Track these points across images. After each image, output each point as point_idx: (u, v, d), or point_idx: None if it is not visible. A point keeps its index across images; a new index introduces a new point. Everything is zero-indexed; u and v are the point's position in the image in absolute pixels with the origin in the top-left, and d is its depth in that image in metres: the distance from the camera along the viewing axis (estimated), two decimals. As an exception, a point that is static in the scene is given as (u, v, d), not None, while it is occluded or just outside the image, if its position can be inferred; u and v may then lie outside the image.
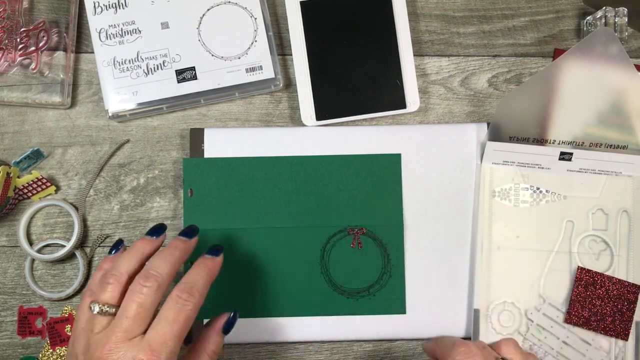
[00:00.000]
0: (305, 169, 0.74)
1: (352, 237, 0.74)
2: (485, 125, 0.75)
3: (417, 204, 0.74)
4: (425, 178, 0.75)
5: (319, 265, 0.73)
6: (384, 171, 0.74)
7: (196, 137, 0.74)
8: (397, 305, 0.73)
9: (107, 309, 0.56)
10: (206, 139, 0.74)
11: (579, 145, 0.73)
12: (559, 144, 0.73)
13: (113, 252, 0.63)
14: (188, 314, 0.56)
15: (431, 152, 0.75)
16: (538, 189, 0.74)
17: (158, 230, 0.62)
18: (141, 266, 0.59)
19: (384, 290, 0.73)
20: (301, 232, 0.73)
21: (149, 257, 0.60)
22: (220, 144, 0.74)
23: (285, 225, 0.74)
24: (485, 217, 0.74)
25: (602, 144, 0.73)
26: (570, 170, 0.74)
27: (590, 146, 0.73)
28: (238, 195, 0.74)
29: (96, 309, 0.56)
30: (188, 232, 0.62)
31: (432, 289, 0.74)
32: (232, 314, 0.64)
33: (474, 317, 0.73)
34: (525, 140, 0.74)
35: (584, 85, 0.71)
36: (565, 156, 0.73)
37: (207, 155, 0.74)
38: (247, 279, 0.73)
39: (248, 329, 0.73)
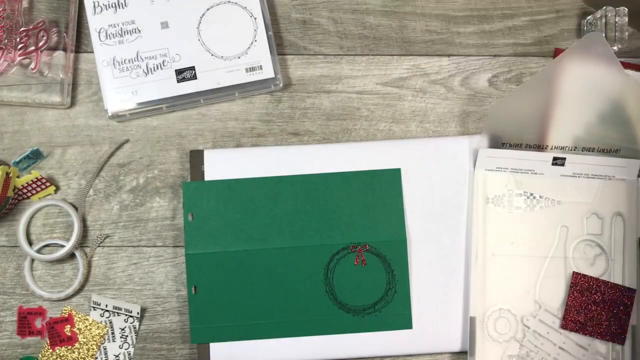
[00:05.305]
0: (306, 187, 0.73)
1: (355, 254, 0.73)
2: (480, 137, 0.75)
3: (419, 217, 0.74)
4: (425, 191, 0.74)
5: (324, 284, 0.73)
6: (385, 186, 0.74)
7: (196, 159, 0.74)
8: (403, 321, 0.73)
9: None
10: (206, 160, 0.74)
11: (572, 150, 0.73)
12: (555, 148, 0.73)
13: None
14: None
15: (431, 165, 0.74)
16: (532, 194, 0.74)
17: None
18: None
19: (389, 306, 0.73)
20: (304, 251, 0.73)
21: None
22: (220, 165, 0.74)
23: (287, 245, 0.73)
24: (480, 224, 0.73)
25: (594, 149, 0.73)
26: (564, 175, 0.74)
27: (583, 150, 0.73)
28: (239, 217, 0.73)
29: None
30: None
31: (438, 302, 0.73)
32: None
33: (470, 324, 0.72)
34: (518, 146, 0.73)
35: (582, 86, 0.71)
36: (558, 161, 0.72)
37: (207, 176, 0.74)
38: (252, 300, 0.73)
39: (255, 351, 0.73)
